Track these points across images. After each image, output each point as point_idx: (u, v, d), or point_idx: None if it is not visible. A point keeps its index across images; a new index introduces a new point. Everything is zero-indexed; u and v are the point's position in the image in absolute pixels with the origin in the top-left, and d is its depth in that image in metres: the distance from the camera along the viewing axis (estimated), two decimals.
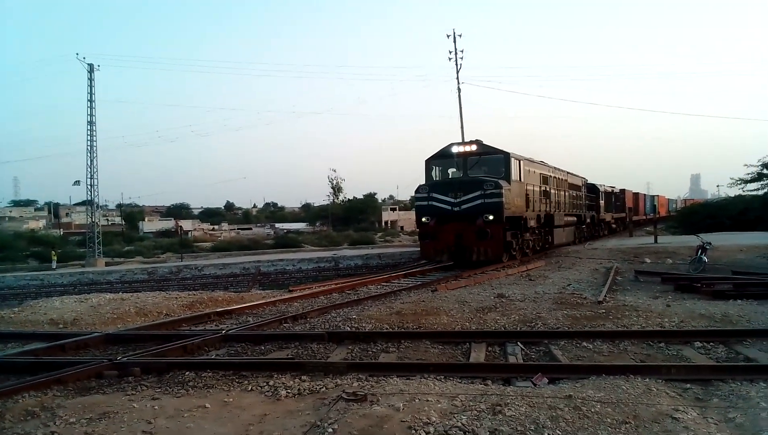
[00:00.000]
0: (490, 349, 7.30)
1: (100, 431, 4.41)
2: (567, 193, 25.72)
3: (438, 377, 5.79)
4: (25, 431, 4.47)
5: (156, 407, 5.04)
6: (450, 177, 19.21)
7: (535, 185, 20.49)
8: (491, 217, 16.85)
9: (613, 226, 37.74)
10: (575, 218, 26.84)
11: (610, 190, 36.27)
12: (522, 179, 19.07)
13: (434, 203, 17.80)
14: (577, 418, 4.42)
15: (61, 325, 10.45)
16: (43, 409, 5.05)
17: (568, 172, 26.86)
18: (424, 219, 17.97)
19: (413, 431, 4.19)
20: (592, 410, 4.58)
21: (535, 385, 5.59)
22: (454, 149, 18.73)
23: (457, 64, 41.75)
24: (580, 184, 29.33)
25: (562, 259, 19.81)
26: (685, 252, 19.02)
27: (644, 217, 46.79)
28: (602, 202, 33.28)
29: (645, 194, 51.89)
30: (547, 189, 22.28)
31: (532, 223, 19.90)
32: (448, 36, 42.12)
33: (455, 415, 4.47)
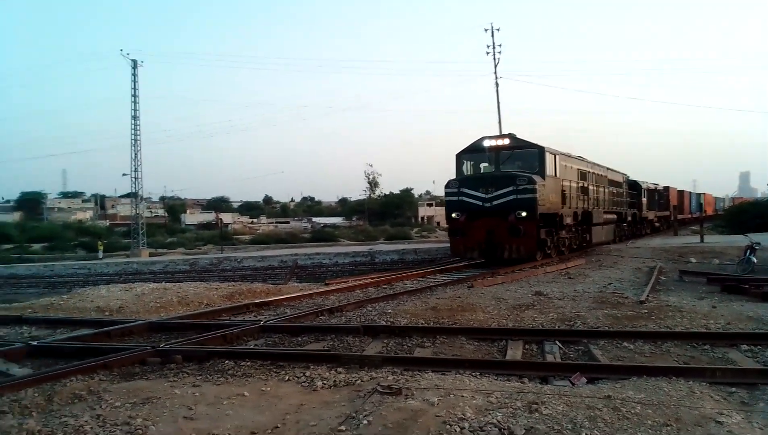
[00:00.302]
0: (527, 347, 7.21)
1: (143, 416, 4.55)
2: (607, 190, 24.92)
3: (473, 373, 5.76)
4: (73, 414, 4.64)
5: (197, 394, 5.17)
6: (482, 172, 18.75)
7: (571, 181, 19.82)
8: (524, 214, 16.35)
9: (656, 224, 36.59)
10: (615, 216, 25.86)
11: (653, 187, 35.15)
12: (557, 174, 18.44)
13: (464, 199, 17.39)
14: (616, 419, 4.34)
15: (107, 313, 10.81)
16: (89, 393, 5.23)
17: (608, 168, 25.99)
18: (453, 214, 17.60)
19: (448, 426, 4.18)
20: (632, 411, 4.49)
21: (573, 384, 5.51)
22: (486, 143, 18.16)
23: (495, 59, 41.48)
24: (621, 180, 28.39)
25: (603, 258, 19.42)
26: (732, 252, 18.39)
27: (689, 216, 45.41)
28: (644, 200, 32.25)
29: (690, 192, 50.34)
30: (585, 185, 21.57)
31: (569, 220, 19.22)
32: (486, 30, 41.88)
33: (490, 412, 4.44)
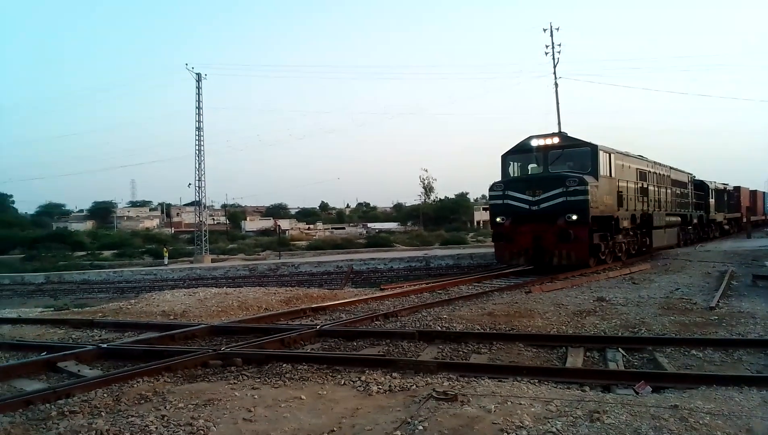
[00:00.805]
0: (588, 354, 6.99)
1: (205, 417, 4.69)
2: (669, 191, 23.54)
3: (532, 381, 5.63)
4: (139, 414, 4.83)
5: (256, 396, 5.29)
6: (529, 173, 17.70)
7: (629, 181, 18.66)
8: (574, 217, 15.33)
9: (726, 227, 34.61)
10: (679, 218, 24.39)
11: (722, 187, 33.32)
12: (613, 175, 17.34)
13: (510, 202, 16.49)
14: (684, 430, 4.13)
15: (171, 317, 11.23)
16: (155, 394, 5.43)
17: (671, 168, 24.51)
18: (498, 219, 16.75)
19: (505, 434, 4.10)
20: (701, 422, 4.27)
21: (637, 393, 5.29)
22: (534, 142, 17.07)
23: (554, 59, 40.75)
24: (686, 180, 26.88)
25: (670, 262, 18.61)
26: None
27: (763, 217, 42.89)
28: (712, 201, 30.59)
29: (765, 192, 47.54)
30: (645, 186, 20.28)
31: (625, 223, 17.98)
32: (544, 30, 41.23)
33: (550, 420, 4.32)
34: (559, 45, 41.15)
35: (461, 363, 6.60)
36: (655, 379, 5.63)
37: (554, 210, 15.64)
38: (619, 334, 7.96)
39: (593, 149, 16.57)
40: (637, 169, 19.93)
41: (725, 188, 34.24)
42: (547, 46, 41.34)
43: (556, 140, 17.03)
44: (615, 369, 6.33)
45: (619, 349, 7.02)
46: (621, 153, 18.63)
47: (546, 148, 16.95)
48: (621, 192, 17.73)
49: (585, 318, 9.04)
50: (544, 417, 4.41)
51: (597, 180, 16.16)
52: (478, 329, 8.41)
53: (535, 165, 17.55)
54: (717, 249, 22.57)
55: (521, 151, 17.60)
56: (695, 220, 27.54)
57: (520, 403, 4.74)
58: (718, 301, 10.20)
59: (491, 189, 17.24)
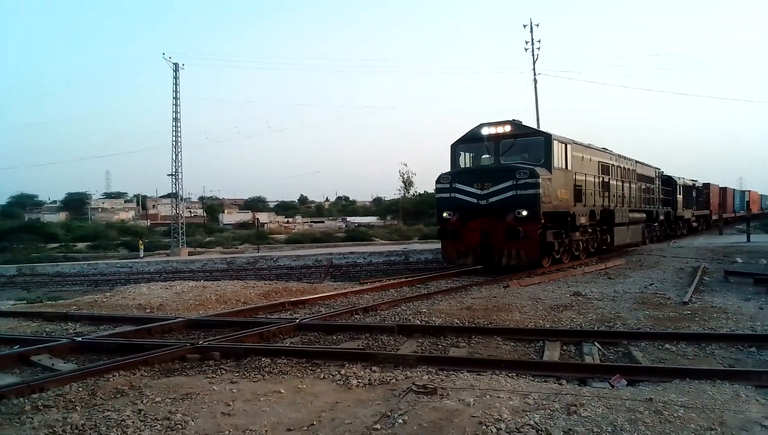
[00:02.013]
0: (565, 348, 7.09)
1: (183, 411, 4.64)
2: (635, 186, 22.67)
3: (510, 374, 5.69)
4: (115, 408, 4.76)
5: (234, 390, 5.25)
6: (481, 165, 16.48)
7: (589, 175, 17.53)
8: (525, 213, 14.20)
9: (694, 224, 34.45)
10: (644, 215, 23.60)
11: (690, 184, 33.09)
12: (569, 167, 16.13)
13: (457, 195, 15.26)
14: (658, 423, 4.22)
15: (148, 310, 11.09)
16: (131, 388, 5.37)
17: (636, 162, 23.57)
18: (445, 214, 15.47)
19: (484, 427, 4.13)
20: (675, 415, 4.36)
21: (612, 386, 5.38)
22: (484, 131, 15.74)
23: (533, 55, 41.08)
24: (653, 175, 26.11)
25: (644, 258, 18.94)
26: None
27: (732, 215, 43.71)
28: (680, 197, 30.23)
29: (734, 189, 48.55)
30: (607, 180, 19.20)
31: (583, 219, 16.84)
32: (524, 26, 41.44)
33: (528, 413, 4.37)
34: (539, 41, 41.51)
35: (440, 357, 6.63)
36: (630, 373, 5.72)
37: (503, 205, 14.59)
38: (595, 328, 8.08)
39: (547, 139, 15.45)
40: (599, 162, 18.94)
41: (694, 185, 34.13)
42: (526, 42, 41.62)
43: (507, 129, 15.62)
44: (591, 363, 6.43)
45: (595, 343, 7.13)
46: (580, 144, 17.59)
47: (497, 137, 15.71)
48: (579, 186, 16.72)
49: (562, 312, 9.16)
50: (522, 410, 4.46)
51: (550, 172, 15.06)
52: (457, 323, 8.47)
53: (488, 156, 16.36)
54: (690, 245, 23.00)
55: (472, 141, 16.33)
56: (662, 217, 27.02)
57: (499, 397, 4.78)
58: (691, 296, 10.40)
59: (438, 181, 15.97)
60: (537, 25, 42.00)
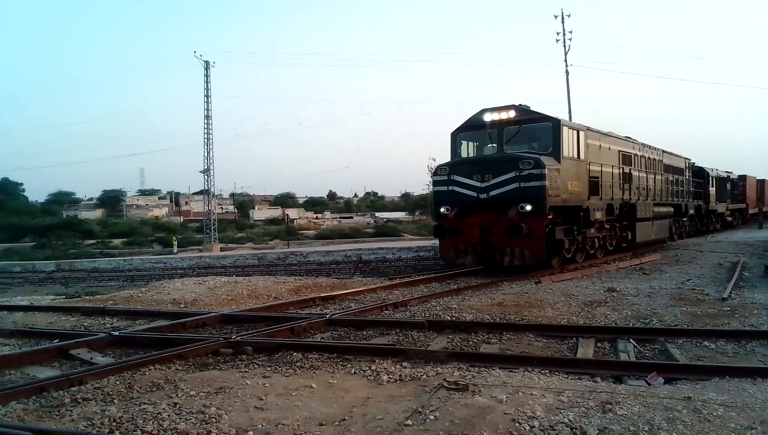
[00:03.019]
0: (599, 345, 6.97)
1: (216, 404, 4.71)
2: (661, 178, 20.98)
3: (543, 371, 5.61)
4: (151, 401, 4.85)
5: (266, 385, 5.30)
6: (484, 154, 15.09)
7: (606, 165, 16.05)
8: (528, 208, 12.87)
9: (728, 218, 32.19)
10: (671, 209, 21.84)
11: (724, 175, 30.90)
12: (582, 156, 14.66)
13: (455, 189, 13.98)
14: (697, 421, 4.11)
15: (182, 305, 11.28)
16: (166, 382, 5.46)
17: (663, 151, 21.79)
18: (442, 209, 14.21)
19: (517, 424, 4.08)
20: (714, 414, 4.24)
21: (649, 384, 5.27)
22: (487, 117, 14.37)
23: (565, 46, 40.38)
24: (683, 166, 24.26)
25: (681, 253, 18.49)
26: None
27: None
28: (713, 190, 28.23)
29: None
30: (628, 171, 17.64)
31: (599, 214, 15.24)
32: (555, 17, 40.80)
33: (561, 411, 4.31)
34: (570, 32, 40.72)
35: (472, 353, 6.59)
36: (668, 371, 5.60)
37: (505, 199, 13.26)
38: (631, 324, 7.93)
39: (555, 124, 13.94)
40: (619, 151, 17.40)
41: (728, 177, 32.08)
42: (558, 33, 40.92)
43: (512, 114, 14.17)
44: (627, 360, 6.30)
45: (631, 339, 6.99)
46: (597, 131, 16.16)
47: (501, 123, 14.29)
48: (595, 177, 15.28)
49: (595, 309, 9.00)
50: (555, 407, 4.39)
51: (559, 162, 13.62)
52: (487, 319, 8.40)
53: (491, 144, 14.89)
54: (728, 240, 22.40)
55: (474, 128, 14.90)
56: (692, 211, 25.13)
57: (532, 394, 4.72)
58: (731, 292, 10.12)
59: (435, 173, 14.72)
60: (569, 16, 41.43)
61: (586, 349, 6.72)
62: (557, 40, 40.97)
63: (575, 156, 14.43)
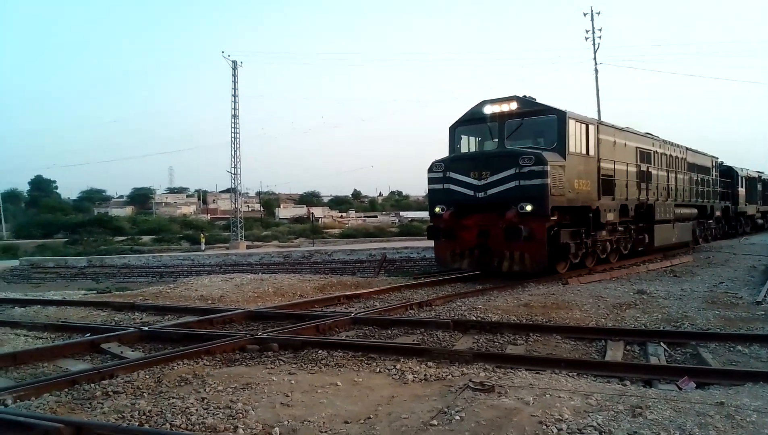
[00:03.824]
0: (628, 348, 6.85)
1: (243, 400, 4.75)
2: (684, 177, 19.91)
3: (570, 374, 5.54)
4: (180, 396, 4.92)
5: (292, 381, 5.34)
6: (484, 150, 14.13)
7: (621, 162, 15.02)
8: (529, 208, 11.90)
9: (759, 221, 30.56)
10: (695, 210, 20.65)
11: (755, 175, 29.21)
12: (591, 152, 13.65)
13: (451, 186, 13.07)
14: (730, 427, 4.00)
15: (209, 301, 11.44)
16: (194, 377, 5.53)
17: (687, 149, 20.63)
18: (437, 209, 13.28)
19: (544, 427, 4.03)
20: (747, 420, 4.13)
21: (680, 388, 5.16)
22: (487, 109, 13.41)
23: (594, 44, 39.86)
24: (709, 165, 23.00)
25: (713, 255, 18.07)
26: None
27: None
28: (742, 190, 26.79)
29: None
30: (648, 169, 16.60)
31: (611, 216, 14.18)
32: (584, 14, 40.31)
33: (590, 414, 4.24)
34: (600, 30, 40.23)
35: (498, 354, 6.53)
36: (699, 375, 5.48)
37: (504, 198, 12.28)
38: (661, 327, 7.78)
39: (560, 117, 12.82)
40: (636, 148, 16.33)
41: (760, 177, 30.36)
42: (587, 31, 40.49)
43: (513, 106, 13.12)
44: (657, 364, 6.18)
45: (661, 343, 6.85)
46: (611, 126, 15.23)
47: (502, 116, 13.25)
48: (608, 175, 14.29)
49: (625, 311, 8.85)
50: (584, 410, 4.33)
51: (564, 158, 12.58)
52: (514, 320, 8.33)
53: (492, 139, 13.82)
54: (763, 242, 21.82)
55: (474, 121, 13.91)
56: (718, 213, 23.70)
57: (559, 396, 4.66)
58: (765, 296, 9.85)
59: (430, 169, 13.60)
60: (598, 14, 40.81)
61: (615, 352, 6.61)
62: (586, 38, 40.52)
63: (584, 152, 13.44)
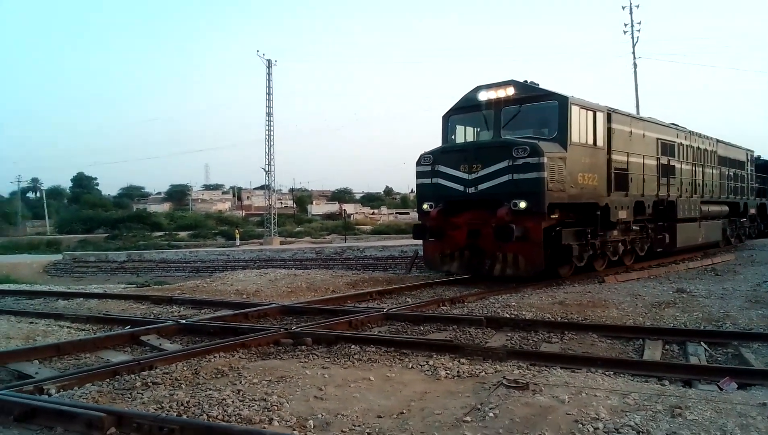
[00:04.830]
0: (667, 347, 6.69)
1: (278, 393, 4.82)
2: (714, 171, 18.43)
3: (607, 372, 5.44)
4: (216, 387, 5.02)
5: (326, 375, 5.38)
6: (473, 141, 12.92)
7: (636, 155, 13.69)
8: (523, 205, 10.75)
9: None
10: (725, 208, 19.00)
11: None
12: (599, 142, 12.31)
13: (440, 181, 11.99)
14: None
15: (244, 296, 11.62)
16: (230, 369, 5.63)
17: (718, 141, 19.07)
18: (425, 205, 12.21)
19: (580, 425, 3.98)
20: None
21: (721, 389, 5.01)
22: (481, 96, 12.17)
23: (633, 38, 39.02)
24: (744, 158, 21.29)
25: (756, 253, 17.51)
26: None
27: None
28: None
29: None
30: (671, 162, 15.29)
31: (623, 213, 12.90)
32: (623, 8, 39.40)
33: (627, 414, 4.16)
34: (639, 23, 39.27)
35: (532, 351, 6.46)
36: (742, 375, 5.32)
37: (496, 193, 11.17)
38: (701, 327, 7.57)
39: (561, 103, 11.55)
40: (657, 139, 14.93)
41: None
42: (625, 25, 39.55)
43: (510, 91, 11.88)
44: (697, 364, 6.02)
45: (701, 343, 6.67)
46: (626, 114, 13.89)
47: (498, 103, 12.05)
48: (621, 169, 13.02)
49: (664, 310, 8.64)
50: (621, 410, 4.25)
51: (565, 149, 11.32)
52: (548, 318, 8.22)
53: (488, 129, 12.53)
54: None
55: (468, 109, 12.73)
56: (752, 210, 21.85)
57: (596, 395, 4.59)
58: None
59: (418, 163, 12.49)
60: (637, 7, 39.86)
61: (654, 352, 6.47)
62: (625, 32, 39.63)
63: (590, 142, 12.09)
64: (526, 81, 12.07)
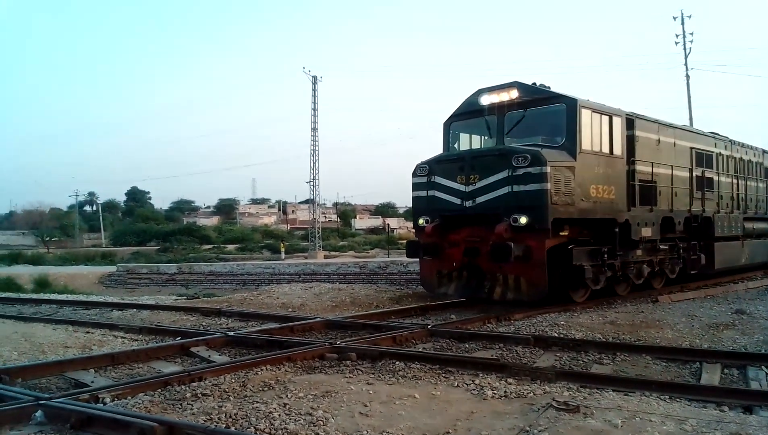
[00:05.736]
0: (726, 371, 6.38)
1: (324, 408, 4.83)
2: (760, 185, 17.04)
3: (662, 396, 5.22)
4: (263, 400, 5.07)
5: (371, 391, 5.37)
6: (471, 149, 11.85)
7: (664, 165, 12.39)
8: (524, 220, 9.71)
9: None
10: None
11: None
12: (616, 151, 11.11)
13: (436, 193, 11.01)
14: None
15: (290, 309, 11.76)
16: (277, 382, 5.69)
17: (764, 152, 17.64)
18: (421, 220, 11.21)
19: None
20: None
21: None
22: (484, 100, 11.25)
23: (685, 49, 37.93)
24: None
25: None
26: None
27: None
28: None
29: None
30: (707, 174, 13.99)
31: (647, 231, 11.59)
32: (674, 18, 38.44)
33: None
34: (691, 34, 38.19)
35: (582, 373, 6.28)
36: None
37: (495, 207, 10.15)
38: (763, 350, 7.21)
39: (570, 106, 10.45)
40: (692, 149, 13.59)
41: None
42: (677, 36, 38.56)
43: (513, 94, 10.87)
44: (758, 389, 5.72)
45: (763, 367, 6.34)
46: (652, 120, 12.44)
47: (501, 107, 11.08)
48: (645, 181, 11.75)
49: (722, 332, 8.27)
50: None
51: (574, 158, 10.23)
52: (599, 338, 7.99)
53: (491, 136, 11.50)
54: None
55: (470, 115, 11.74)
56: None
57: (650, 420, 4.41)
58: None
59: (414, 174, 11.47)
60: (689, 17, 38.76)
61: (712, 375, 6.18)
62: (677, 43, 38.60)
63: (605, 150, 10.91)
64: (534, 83, 11.13)
